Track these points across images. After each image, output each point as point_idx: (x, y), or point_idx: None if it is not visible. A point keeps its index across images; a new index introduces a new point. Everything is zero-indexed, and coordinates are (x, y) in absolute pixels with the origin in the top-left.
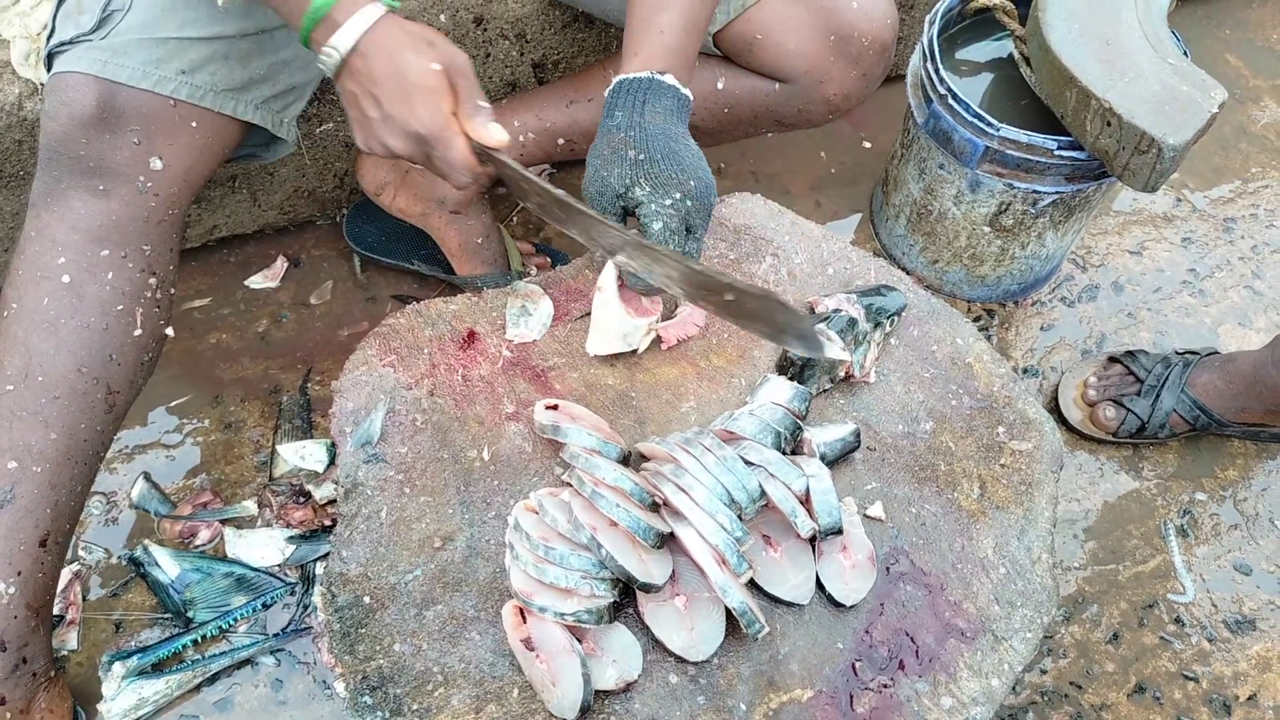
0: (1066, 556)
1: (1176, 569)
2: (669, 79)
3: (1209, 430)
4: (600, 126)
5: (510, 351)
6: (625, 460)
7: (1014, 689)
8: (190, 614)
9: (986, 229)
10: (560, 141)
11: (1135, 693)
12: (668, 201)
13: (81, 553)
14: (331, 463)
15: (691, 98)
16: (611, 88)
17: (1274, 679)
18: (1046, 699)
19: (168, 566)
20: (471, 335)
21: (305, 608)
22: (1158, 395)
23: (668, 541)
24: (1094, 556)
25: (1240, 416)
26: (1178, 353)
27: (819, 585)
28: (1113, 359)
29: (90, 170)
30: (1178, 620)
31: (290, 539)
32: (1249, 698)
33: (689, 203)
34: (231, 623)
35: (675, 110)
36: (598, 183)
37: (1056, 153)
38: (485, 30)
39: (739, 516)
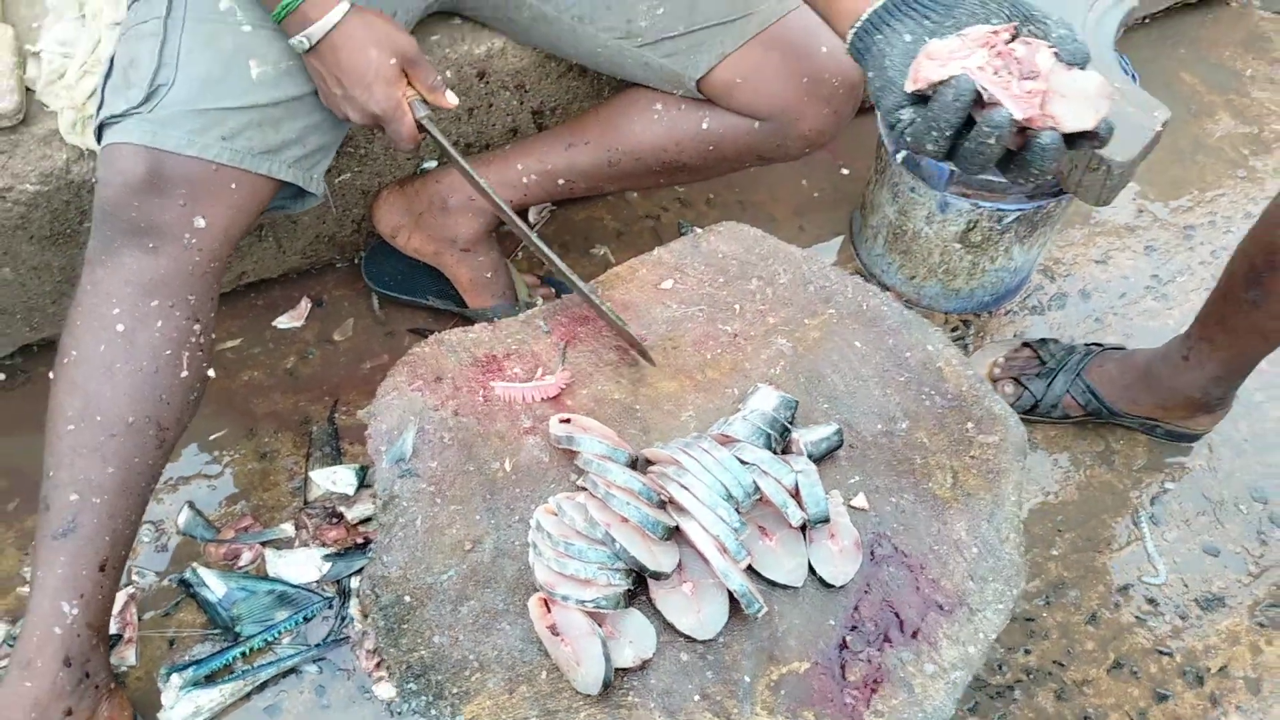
0: (1047, 545)
1: (1149, 553)
2: None
3: (1101, 417)
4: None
5: (525, 373)
6: (633, 464)
7: (1000, 668)
8: (238, 629)
9: (957, 245)
10: (560, 182)
11: (1114, 668)
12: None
13: (135, 577)
14: (361, 485)
15: None
16: (864, 22)
17: (1243, 651)
18: (1031, 677)
19: (215, 586)
20: (490, 359)
21: (343, 619)
22: (1054, 378)
23: (674, 534)
24: (1072, 545)
25: (1131, 408)
26: (1088, 344)
27: (811, 569)
28: (1026, 344)
29: (141, 230)
30: (1151, 600)
31: (326, 557)
32: (1220, 669)
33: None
34: (276, 635)
35: None
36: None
37: None
38: (488, 83)
39: (736, 510)
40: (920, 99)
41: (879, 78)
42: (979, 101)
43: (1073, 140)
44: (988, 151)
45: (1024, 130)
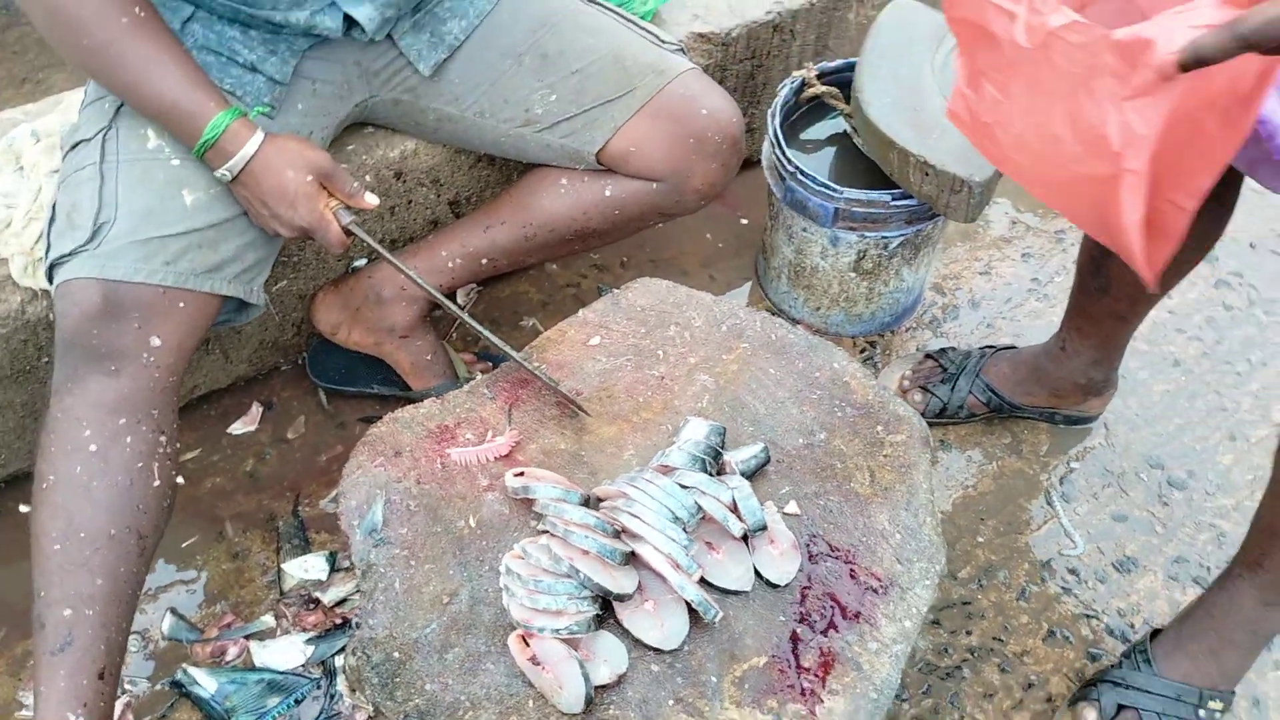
0: (973, 534)
1: (1065, 528)
2: None
3: (1003, 411)
4: None
5: (476, 438)
6: (586, 503)
7: (946, 651)
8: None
9: (852, 274)
10: (483, 261)
11: (1048, 636)
12: None
13: (129, 685)
14: (332, 570)
15: None
16: None
17: (1161, 604)
18: (976, 655)
19: (206, 683)
20: (443, 429)
21: (332, 696)
22: (956, 381)
23: (631, 559)
24: (995, 530)
25: (1027, 400)
26: (982, 348)
27: (757, 573)
28: (928, 355)
29: (102, 355)
30: (1073, 571)
31: (308, 641)
32: (1144, 623)
33: None
34: None
35: None
36: None
37: (892, 203)
38: (405, 181)
39: (684, 529)
40: None
41: None
42: None
43: None
44: None
45: None
